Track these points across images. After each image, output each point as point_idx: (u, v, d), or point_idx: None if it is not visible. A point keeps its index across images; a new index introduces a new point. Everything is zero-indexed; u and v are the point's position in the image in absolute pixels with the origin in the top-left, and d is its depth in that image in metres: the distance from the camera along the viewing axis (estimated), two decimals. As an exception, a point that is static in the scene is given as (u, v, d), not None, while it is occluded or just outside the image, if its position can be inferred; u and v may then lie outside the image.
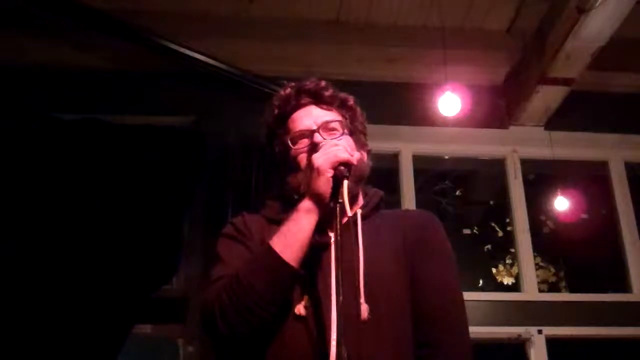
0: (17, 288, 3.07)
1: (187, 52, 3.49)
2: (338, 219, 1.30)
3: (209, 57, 3.53)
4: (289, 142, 1.53)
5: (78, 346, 3.06)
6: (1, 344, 2.96)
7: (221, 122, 3.62)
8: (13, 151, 3.35)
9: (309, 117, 1.55)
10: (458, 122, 3.63)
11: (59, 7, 3.36)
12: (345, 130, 1.55)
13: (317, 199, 1.38)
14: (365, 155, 1.57)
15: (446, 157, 4.28)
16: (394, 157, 3.92)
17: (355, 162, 1.41)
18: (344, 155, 1.38)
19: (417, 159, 3.93)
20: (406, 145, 3.92)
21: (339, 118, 1.57)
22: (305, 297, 1.37)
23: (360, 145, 1.57)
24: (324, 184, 1.36)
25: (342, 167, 1.36)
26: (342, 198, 1.33)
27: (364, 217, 1.46)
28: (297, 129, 1.54)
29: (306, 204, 1.39)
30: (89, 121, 3.52)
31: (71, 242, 3.19)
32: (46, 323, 3.03)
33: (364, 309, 1.32)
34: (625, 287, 3.84)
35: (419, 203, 3.84)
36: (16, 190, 3.26)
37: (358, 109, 1.64)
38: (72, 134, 3.46)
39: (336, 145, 1.42)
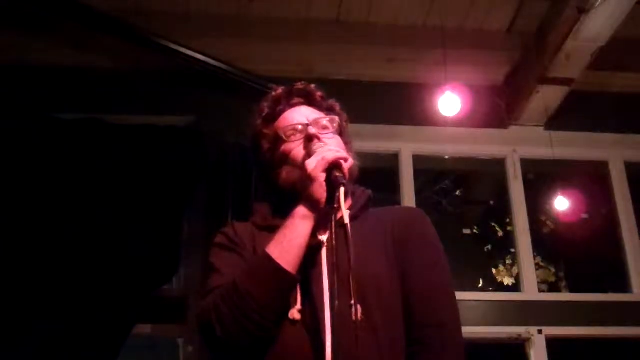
0: (17, 288, 3.07)
1: (187, 52, 3.49)
2: (333, 223, 1.30)
3: (209, 57, 3.53)
4: (283, 136, 1.53)
5: (78, 346, 3.06)
6: (2, 344, 2.96)
7: (221, 122, 3.62)
8: (13, 151, 3.35)
9: (301, 114, 1.56)
10: (458, 122, 3.64)
11: (59, 7, 3.35)
12: (336, 130, 1.56)
13: (313, 205, 1.38)
14: (353, 156, 1.57)
15: (446, 157, 4.29)
16: (394, 157, 3.92)
17: (346, 156, 1.41)
18: (333, 156, 1.38)
19: (417, 159, 3.93)
20: (406, 145, 3.92)
21: (330, 117, 1.58)
22: (299, 301, 1.37)
23: (349, 148, 1.59)
24: (318, 190, 1.37)
25: (338, 174, 1.36)
26: (339, 204, 1.32)
27: (352, 217, 1.44)
28: (290, 124, 1.54)
29: (301, 210, 1.39)
30: (89, 121, 3.52)
31: (71, 242, 3.19)
32: (46, 323, 3.04)
33: (357, 310, 1.32)
34: (625, 287, 3.85)
35: (419, 203, 3.84)
36: (16, 191, 3.26)
37: (344, 115, 1.65)
38: (72, 134, 3.46)
39: (330, 150, 1.42)
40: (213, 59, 3.54)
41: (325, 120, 1.56)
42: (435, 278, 1.47)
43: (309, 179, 1.38)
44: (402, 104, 3.89)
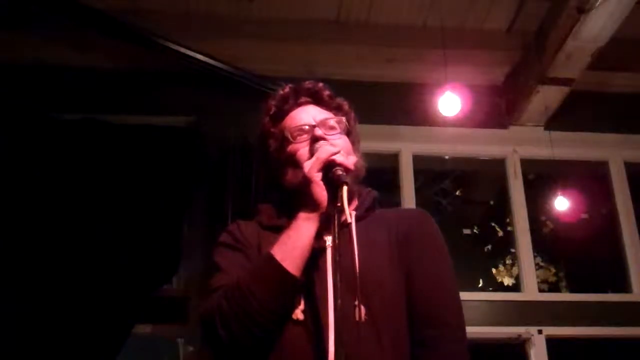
0: (17, 288, 3.07)
1: (187, 52, 3.49)
2: (336, 224, 1.30)
3: (209, 57, 3.53)
4: (289, 136, 1.52)
5: (78, 346, 3.06)
6: (2, 344, 2.96)
7: (221, 122, 3.62)
8: (13, 151, 3.35)
9: (308, 114, 1.55)
10: (458, 122, 3.63)
11: (59, 7, 3.36)
12: (344, 130, 1.55)
13: (314, 206, 1.37)
14: (359, 156, 1.57)
15: (446, 157, 4.28)
16: (394, 157, 3.92)
17: (338, 150, 1.40)
18: (326, 154, 1.37)
19: (417, 159, 3.93)
20: (406, 145, 3.92)
21: (337, 118, 1.57)
22: (302, 301, 1.37)
23: (356, 148, 1.58)
24: (316, 191, 1.36)
25: (340, 172, 1.35)
26: (342, 203, 1.31)
27: (358, 219, 1.44)
28: (296, 124, 1.53)
29: (305, 212, 1.38)
30: (89, 121, 3.52)
31: (71, 242, 3.19)
32: (47, 323, 3.04)
33: (360, 310, 1.32)
34: (625, 287, 3.85)
35: (419, 203, 3.84)
36: (16, 190, 3.26)
37: (352, 114, 1.64)
38: (72, 134, 3.46)
39: (325, 150, 1.41)
40: (213, 59, 3.54)
41: (332, 120, 1.55)
42: (438, 279, 1.47)
43: (306, 180, 1.37)
44: (402, 104, 3.89)
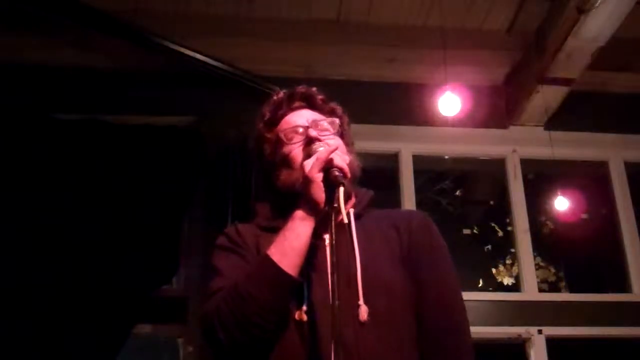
0: (17, 288, 3.07)
1: (187, 52, 3.49)
2: (333, 223, 1.30)
3: (208, 57, 3.53)
4: (283, 138, 1.54)
5: (78, 346, 3.06)
6: (1, 344, 2.96)
7: (221, 122, 3.62)
8: (13, 151, 3.35)
9: (302, 117, 1.58)
10: (458, 122, 3.63)
11: (59, 7, 3.36)
12: (337, 132, 1.58)
13: (312, 206, 1.38)
14: (354, 157, 1.58)
15: (446, 157, 4.29)
16: (394, 157, 3.92)
17: (336, 148, 1.42)
18: (325, 154, 1.39)
19: (417, 159, 3.93)
20: (406, 145, 3.92)
21: (330, 119, 1.59)
22: (305, 302, 1.37)
23: (350, 150, 1.60)
24: (316, 192, 1.37)
25: (337, 173, 1.36)
26: (338, 203, 1.32)
27: (355, 217, 1.47)
28: (290, 126, 1.55)
29: (301, 211, 1.39)
30: (89, 121, 3.52)
31: (71, 242, 3.19)
32: (46, 323, 3.04)
33: (363, 311, 1.33)
34: (625, 287, 3.85)
35: (419, 203, 3.84)
36: (16, 191, 3.26)
37: (346, 118, 1.67)
38: (72, 134, 3.46)
39: (326, 150, 1.42)
40: (213, 59, 3.54)
41: (325, 122, 1.57)
42: (448, 285, 1.50)
43: (306, 180, 1.38)
44: (402, 104, 3.89)
